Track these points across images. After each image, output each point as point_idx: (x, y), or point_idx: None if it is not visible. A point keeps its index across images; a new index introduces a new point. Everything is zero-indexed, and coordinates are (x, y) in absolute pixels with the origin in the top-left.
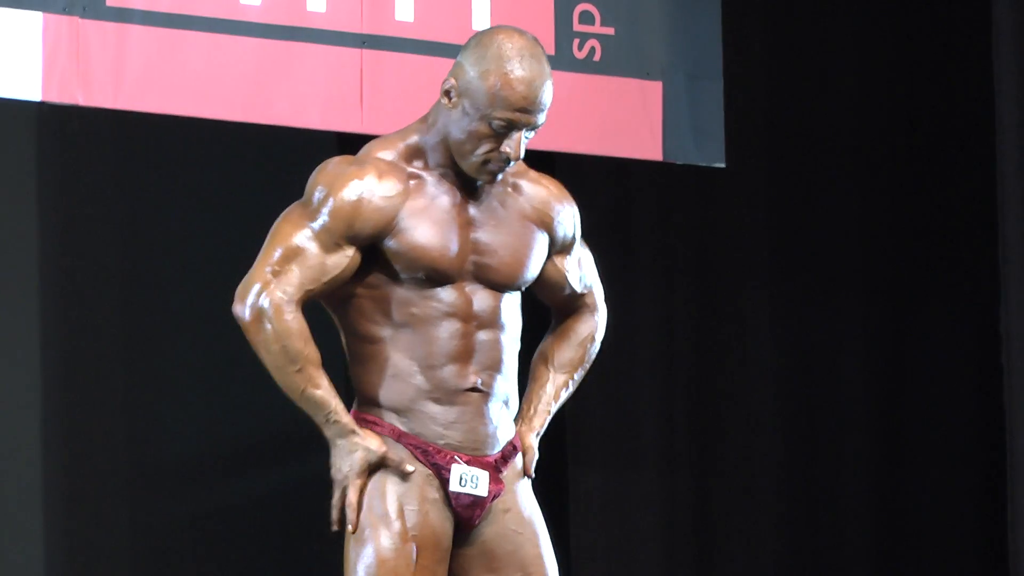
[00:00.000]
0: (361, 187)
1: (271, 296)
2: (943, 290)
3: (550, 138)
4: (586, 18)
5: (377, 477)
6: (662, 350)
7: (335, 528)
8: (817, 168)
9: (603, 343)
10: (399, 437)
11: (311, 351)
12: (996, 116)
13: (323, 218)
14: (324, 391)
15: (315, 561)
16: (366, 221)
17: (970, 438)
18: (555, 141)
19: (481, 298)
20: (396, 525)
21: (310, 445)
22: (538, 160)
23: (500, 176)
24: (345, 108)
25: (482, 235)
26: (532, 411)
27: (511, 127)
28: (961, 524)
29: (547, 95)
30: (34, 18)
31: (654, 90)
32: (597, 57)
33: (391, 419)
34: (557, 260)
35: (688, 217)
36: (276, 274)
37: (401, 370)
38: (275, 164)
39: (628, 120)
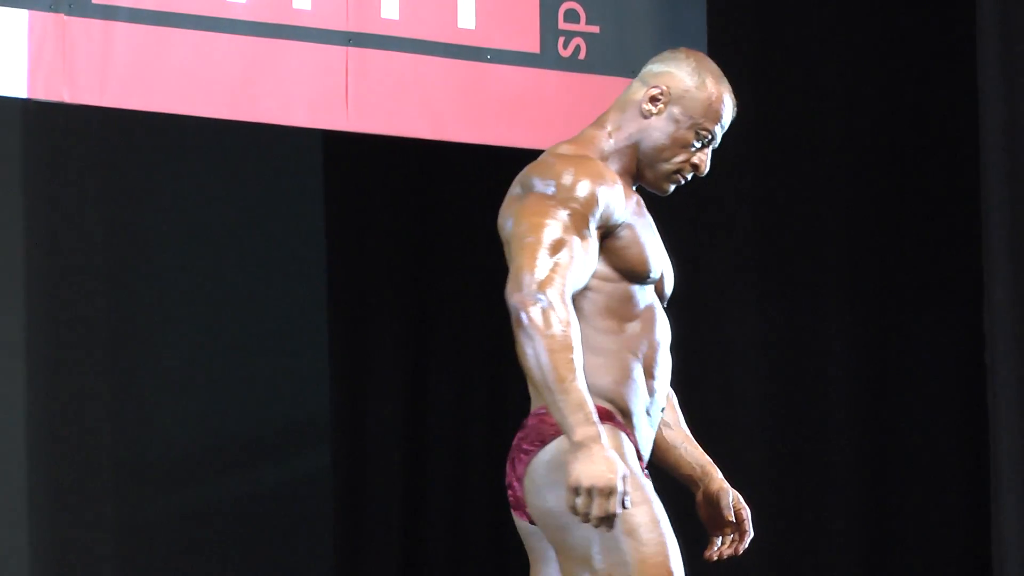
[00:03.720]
0: (603, 174)
1: (546, 287)
2: (927, 290)
3: (535, 136)
4: (571, 16)
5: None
6: None
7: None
8: (802, 169)
9: None
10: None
11: (580, 348)
12: (980, 117)
13: (574, 205)
14: (586, 391)
15: (303, 558)
16: (611, 208)
17: (954, 437)
18: (541, 139)
19: (660, 311)
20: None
21: (296, 444)
22: (524, 158)
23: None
24: (331, 106)
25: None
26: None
27: (709, 141)
28: (945, 522)
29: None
30: (20, 16)
31: None
32: (582, 55)
33: (620, 420)
34: None
35: (670, 217)
36: (545, 266)
37: (631, 371)
38: (261, 161)
39: None
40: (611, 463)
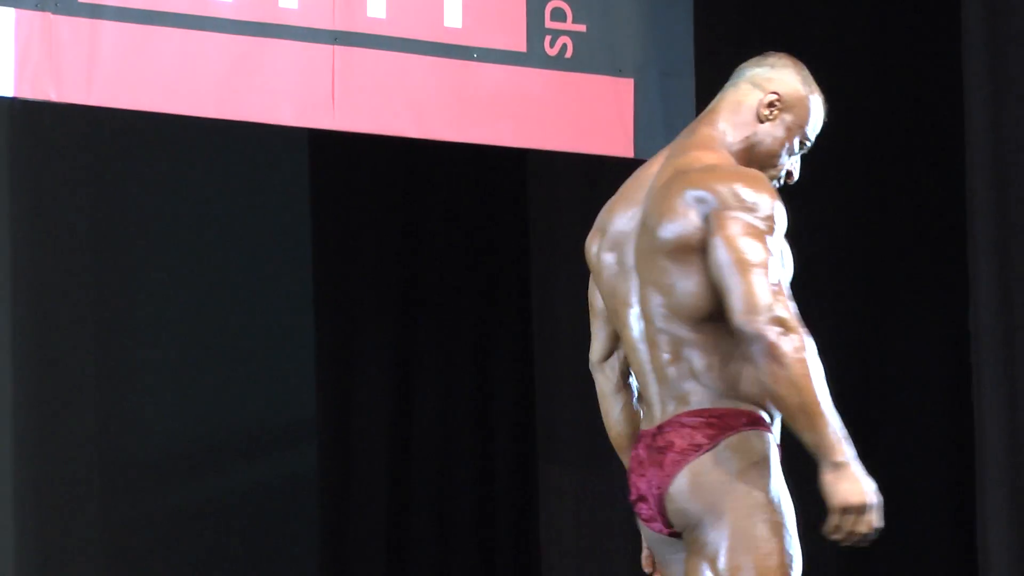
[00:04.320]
0: (774, 188)
1: (782, 311)
2: (913, 288)
3: (522, 135)
4: (558, 15)
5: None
6: None
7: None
8: None
9: (576, 339)
10: None
11: (821, 367)
12: (966, 116)
13: (777, 229)
14: (835, 412)
15: (288, 557)
16: (785, 223)
17: (939, 435)
18: (527, 138)
19: None
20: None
21: (282, 443)
22: (510, 157)
23: None
24: (317, 105)
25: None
26: None
27: (805, 149)
28: (930, 520)
29: None
30: (6, 14)
31: (626, 87)
32: (569, 54)
33: (770, 425)
34: None
35: None
36: (774, 290)
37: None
38: (247, 160)
39: (600, 117)
40: (868, 480)
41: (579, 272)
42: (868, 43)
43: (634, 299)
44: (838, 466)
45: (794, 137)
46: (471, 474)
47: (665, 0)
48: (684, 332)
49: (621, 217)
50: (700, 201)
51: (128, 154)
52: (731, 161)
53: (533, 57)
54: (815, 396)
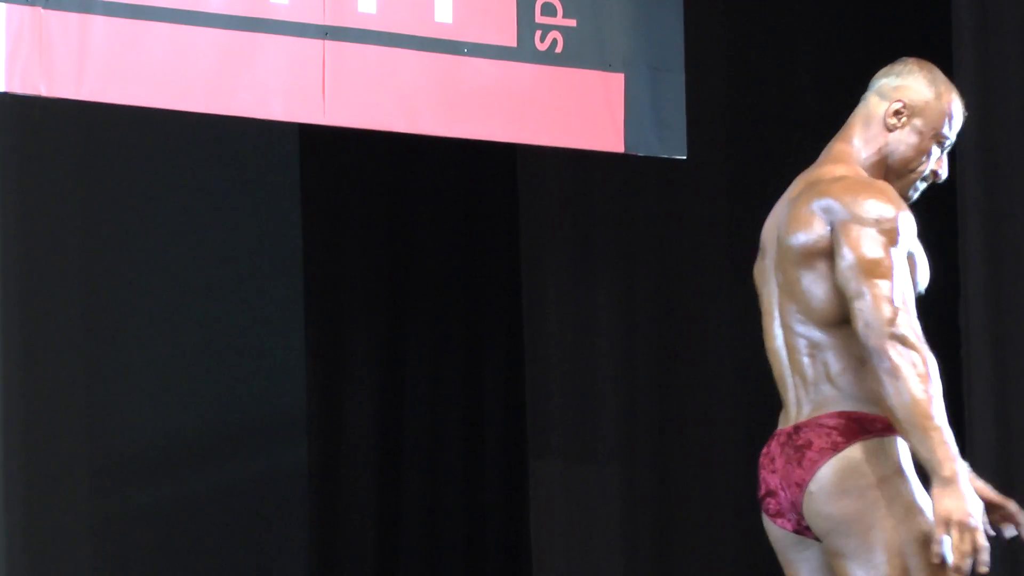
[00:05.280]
0: (902, 202)
1: (904, 325)
2: None
3: (512, 130)
4: (548, 10)
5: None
6: (623, 342)
7: (982, 571)
8: (778, 161)
9: (566, 335)
10: None
11: (939, 382)
12: None
13: (900, 241)
14: (948, 428)
15: (278, 551)
16: (912, 236)
17: None
18: (517, 133)
19: None
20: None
21: (272, 438)
22: (500, 152)
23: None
24: (307, 100)
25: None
26: None
27: (946, 145)
28: None
29: None
30: None
31: (616, 82)
32: (559, 49)
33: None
34: None
35: (650, 209)
36: (897, 303)
37: None
38: (238, 155)
39: (590, 112)
40: (975, 500)
41: (568, 267)
42: (857, 36)
43: (774, 308)
44: (946, 481)
45: (929, 139)
46: (461, 469)
47: None
48: (819, 336)
49: (767, 233)
50: (826, 210)
51: (118, 149)
52: (861, 173)
53: (523, 52)
54: (930, 413)
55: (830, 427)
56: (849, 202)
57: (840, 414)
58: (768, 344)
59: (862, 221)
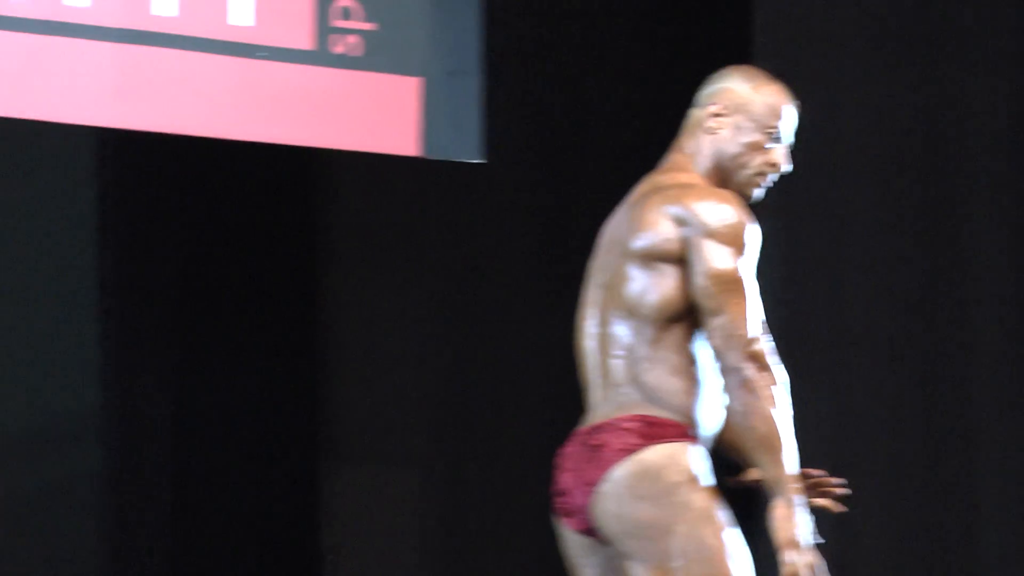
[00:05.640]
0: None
1: (760, 345)
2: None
3: (309, 134)
4: (347, 14)
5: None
6: (419, 346)
7: None
8: (577, 164)
9: (361, 339)
10: None
11: (786, 400)
12: None
13: (749, 251)
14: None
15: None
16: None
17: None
18: (314, 137)
19: None
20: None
21: (65, 441)
22: (297, 156)
23: (763, 191)
24: (104, 104)
25: None
26: None
27: (780, 137)
28: None
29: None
30: None
31: (414, 86)
32: (358, 53)
33: (695, 434)
34: None
35: (447, 213)
36: (753, 321)
37: (709, 399)
38: (33, 158)
39: (388, 116)
40: (811, 523)
41: (365, 271)
42: (655, 38)
43: (594, 303)
44: (791, 503)
45: (756, 133)
46: (255, 474)
47: (453, 0)
48: (638, 339)
49: (603, 235)
50: (678, 219)
51: None
52: (705, 182)
53: (321, 56)
54: (781, 434)
55: (626, 429)
56: (705, 215)
57: (638, 417)
58: (580, 342)
59: (719, 236)
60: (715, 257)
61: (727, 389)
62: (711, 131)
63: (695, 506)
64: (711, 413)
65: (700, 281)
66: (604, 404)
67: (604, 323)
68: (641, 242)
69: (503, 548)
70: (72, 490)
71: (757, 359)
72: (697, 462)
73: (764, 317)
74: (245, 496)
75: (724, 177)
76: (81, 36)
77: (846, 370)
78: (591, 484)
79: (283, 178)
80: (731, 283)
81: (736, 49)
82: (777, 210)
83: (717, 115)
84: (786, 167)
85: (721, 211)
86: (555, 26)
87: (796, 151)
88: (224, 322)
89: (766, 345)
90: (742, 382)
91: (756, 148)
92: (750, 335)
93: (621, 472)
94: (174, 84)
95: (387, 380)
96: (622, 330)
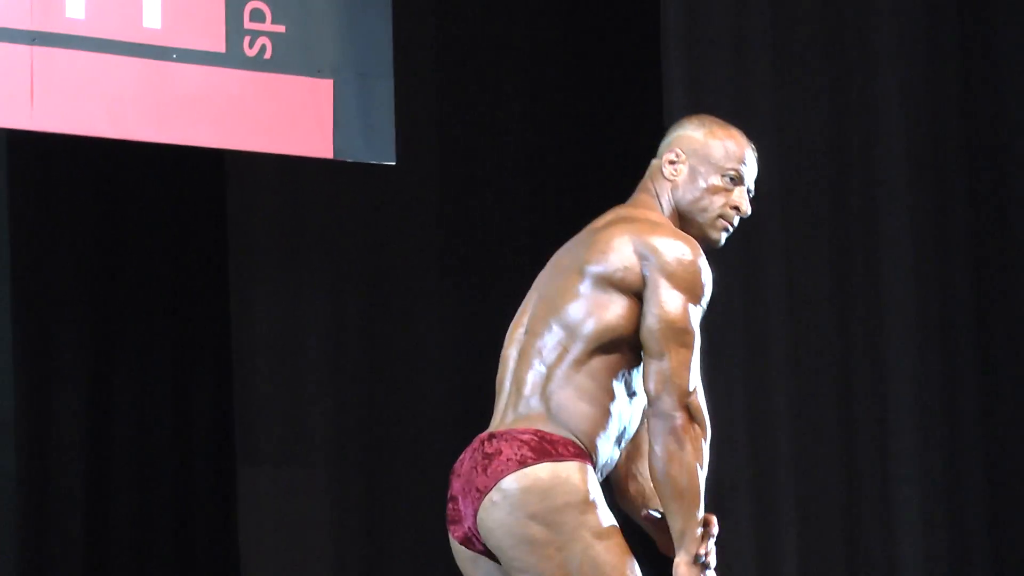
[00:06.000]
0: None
1: (696, 396)
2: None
3: (221, 136)
4: (257, 16)
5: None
6: (333, 348)
7: None
8: (488, 166)
9: (274, 341)
10: None
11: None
12: (664, 117)
13: (703, 303)
14: None
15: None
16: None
17: None
18: (226, 139)
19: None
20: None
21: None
22: (208, 158)
23: (727, 235)
24: (15, 105)
25: None
26: None
27: (739, 180)
28: None
29: (755, 159)
30: None
31: (325, 88)
32: (268, 55)
33: (589, 456)
34: None
35: (359, 215)
36: (694, 372)
37: (611, 435)
38: None
39: (299, 118)
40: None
41: (277, 273)
42: (567, 43)
43: (529, 312)
44: (694, 559)
45: (711, 178)
46: (170, 476)
47: (363, 2)
48: (559, 355)
49: (560, 252)
50: (642, 254)
51: None
52: (670, 224)
53: (232, 58)
54: (698, 488)
55: (522, 441)
56: (668, 255)
57: (537, 432)
58: (504, 348)
59: (676, 280)
60: (669, 301)
61: (654, 433)
62: (670, 178)
63: (588, 525)
64: (608, 450)
65: (650, 322)
66: (508, 412)
67: (533, 332)
68: (600, 267)
69: (415, 545)
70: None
71: (691, 410)
72: (588, 480)
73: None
74: (160, 499)
75: (686, 222)
76: None
77: (761, 373)
78: (481, 491)
79: (194, 181)
80: (679, 330)
81: (645, 53)
82: None
83: (673, 162)
84: (746, 209)
85: (683, 255)
86: (466, 28)
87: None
88: (136, 325)
89: (702, 401)
90: (672, 429)
91: (715, 191)
92: (689, 386)
93: (511, 484)
94: (85, 86)
95: (300, 382)
96: (550, 342)
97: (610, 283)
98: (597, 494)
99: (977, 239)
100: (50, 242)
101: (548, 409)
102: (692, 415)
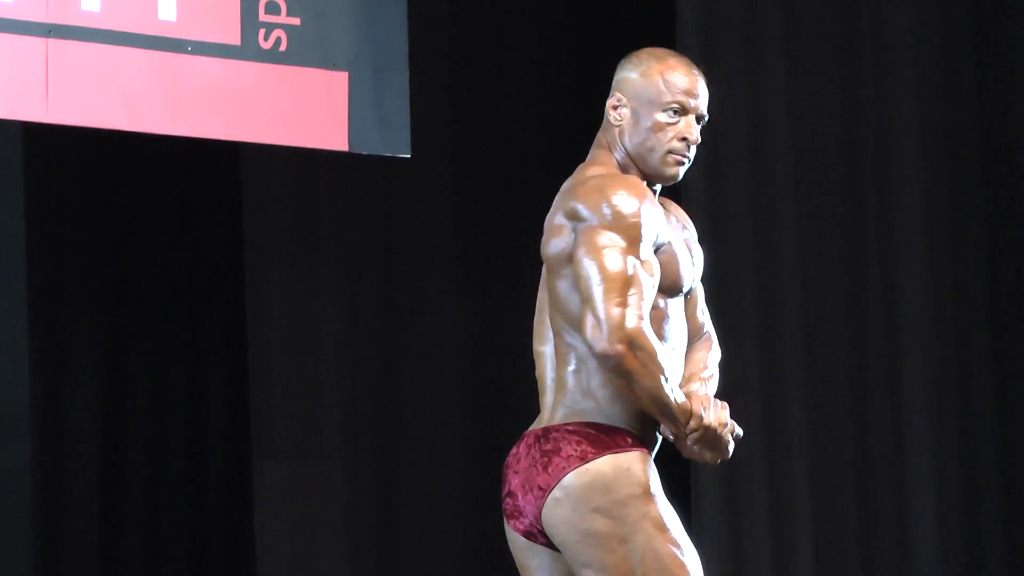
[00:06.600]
0: (645, 193)
1: (627, 327)
2: None
3: (236, 128)
4: (272, 8)
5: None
6: (347, 342)
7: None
8: (502, 159)
9: (289, 335)
10: None
11: (668, 364)
12: None
13: (632, 232)
14: (683, 398)
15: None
16: (658, 226)
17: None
18: (241, 131)
19: (680, 316)
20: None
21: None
22: (224, 150)
23: (685, 167)
24: (30, 98)
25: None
26: None
27: (683, 110)
28: None
29: (704, 84)
30: None
31: (340, 81)
32: (283, 47)
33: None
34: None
35: (374, 208)
36: (624, 305)
37: None
38: None
39: (314, 110)
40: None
41: (292, 266)
42: (579, 37)
43: (544, 313)
44: (687, 440)
45: (654, 115)
46: (185, 469)
47: None
48: (582, 347)
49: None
50: (571, 215)
51: None
52: (612, 171)
53: (247, 50)
54: (664, 394)
55: (580, 436)
56: (590, 204)
57: (592, 424)
58: (535, 347)
59: (598, 223)
60: (589, 245)
61: (605, 378)
62: (616, 123)
63: (650, 517)
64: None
65: (575, 271)
66: (557, 408)
67: (557, 330)
68: (552, 250)
69: (429, 540)
70: (1, 485)
71: (632, 343)
72: (648, 471)
73: (648, 297)
74: (175, 492)
75: (640, 164)
76: (7, 31)
77: (775, 367)
78: (544, 489)
79: (209, 173)
80: (598, 270)
81: (662, 40)
82: (703, 207)
83: (616, 107)
84: (696, 137)
85: (606, 196)
86: (481, 21)
87: (724, 145)
88: (151, 318)
89: (634, 327)
90: (614, 369)
91: (659, 128)
92: (625, 321)
93: (575, 480)
94: (100, 78)
95: (315, 376)
96: (572, 338)
97: (565, 261)
98: (657, 485)
99: (992, 235)
100: (65, 235)
101: (598, 403)
102: (634, 346)
